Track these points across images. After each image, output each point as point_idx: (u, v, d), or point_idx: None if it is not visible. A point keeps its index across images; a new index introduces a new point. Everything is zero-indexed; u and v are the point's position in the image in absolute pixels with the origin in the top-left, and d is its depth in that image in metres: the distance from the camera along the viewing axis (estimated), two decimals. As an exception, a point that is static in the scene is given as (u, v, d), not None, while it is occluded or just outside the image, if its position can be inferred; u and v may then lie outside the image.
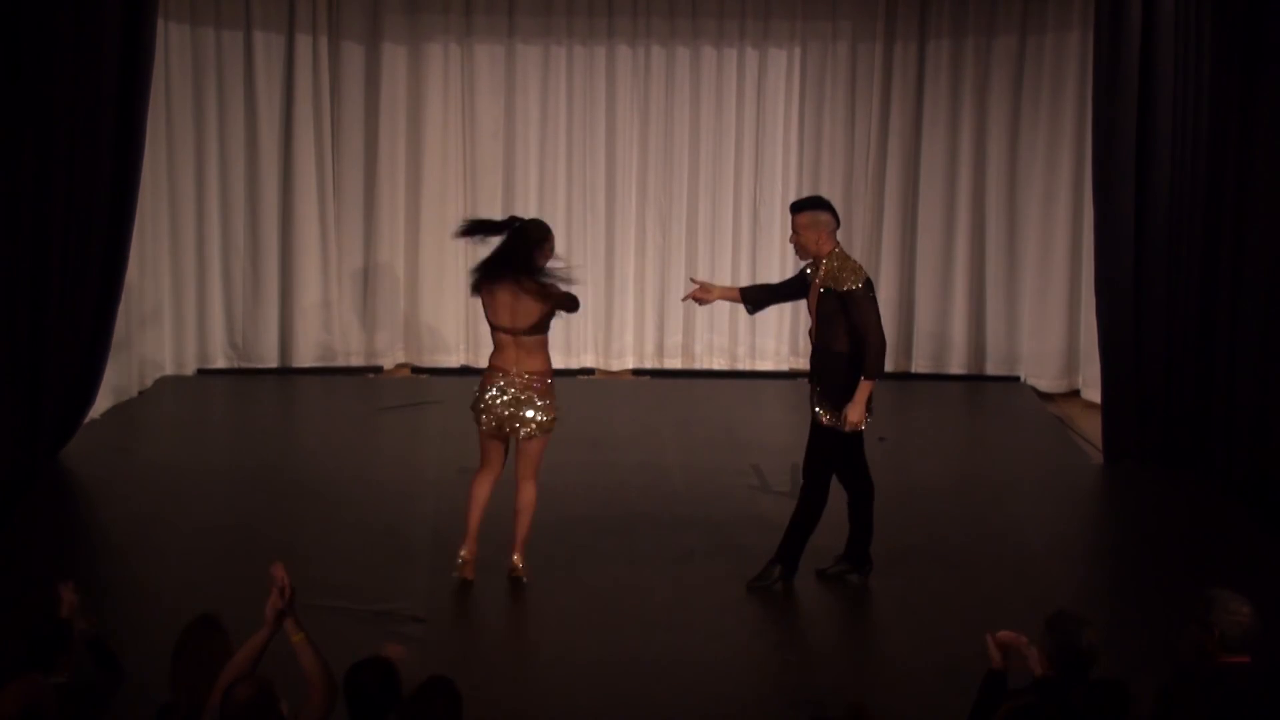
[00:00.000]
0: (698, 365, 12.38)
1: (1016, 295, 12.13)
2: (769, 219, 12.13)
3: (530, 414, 7.77)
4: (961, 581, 8.14)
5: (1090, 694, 5.17)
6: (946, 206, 12.13)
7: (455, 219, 11.93)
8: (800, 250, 7.88)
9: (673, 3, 12.00)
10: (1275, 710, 5.17)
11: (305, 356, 12.12)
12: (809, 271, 7.90)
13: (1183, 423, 9.97)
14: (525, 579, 7.91)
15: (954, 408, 11.75)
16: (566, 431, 10.10)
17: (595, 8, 11.98)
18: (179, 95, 11.56)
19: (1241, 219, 9.53)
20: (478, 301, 7.93)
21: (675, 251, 12.28)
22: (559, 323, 8.32)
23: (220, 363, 12.04)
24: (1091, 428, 10.72)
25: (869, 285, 7.74)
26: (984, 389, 12.05)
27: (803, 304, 8.33)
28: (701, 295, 8.20)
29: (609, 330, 12.34)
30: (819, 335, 7.82)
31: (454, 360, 12.19)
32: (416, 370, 12.25)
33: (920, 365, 12.30)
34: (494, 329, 7.84)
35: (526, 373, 7.77)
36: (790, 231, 7.88)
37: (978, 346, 12.27)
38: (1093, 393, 11.24)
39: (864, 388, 7.65)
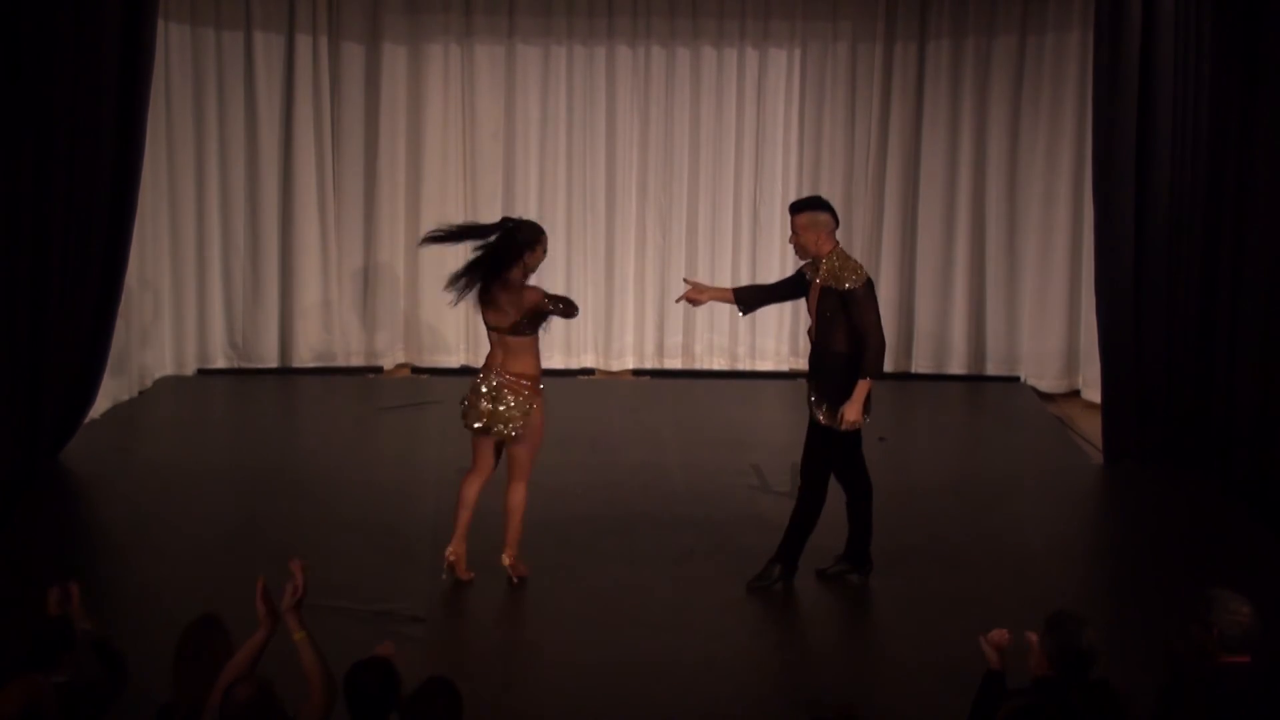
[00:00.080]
0: (698, 365, 12.38)
1: (1016, 295, 12.13)
2: (769, 219, 12.13)
3: (507, 413, 7.73)
4: (961, 581, 8.14)
5: (1090, 694, 5.17)
6: (946, 206, 12.13)
7: (455, 219, 11.94)
8: (800, 251, 7.88)
9: (673, 3, 12.01)
10: (1275, 710, 5.17)
11: (305, 356, 12.12)
12: (807, 272, 7.91)
13: (1183, 423, 9.97)
14: (515, 579, 7.91)
15: (954, 408, 11.75)
16: (566, 431, 10.14)
17: (595, 8, 11.98)
18: (179, 95, 11.57)
19: (1241, 219, 9.54)
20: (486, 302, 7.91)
21: (675, 251, 12.29)
22: (560, 323, 8.31)
23: (220, 363, 12.04)
24: (1091, 428, 10.72)
25: (869, 285, 7.74)
26: (984, 389, 12.05)
27: (803, 304, 8.33)
28: (694, 296, 8.20)
29: (609, 330, 12.34)
30: (818, 334, 7.82)
31: (454, 360, 12.19)
32: (416, 370, 12.25)
33: (920, 365, 12.30)
34: (487, 328, 7.85)
35: (510, 374, 7.75)
36: (790, 232, 7.88)
37: (978, 346, 12.27)
38: (1093, 393, 11.24)
39: (862, 387, 7.65)
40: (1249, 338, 9.45)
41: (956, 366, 12.27)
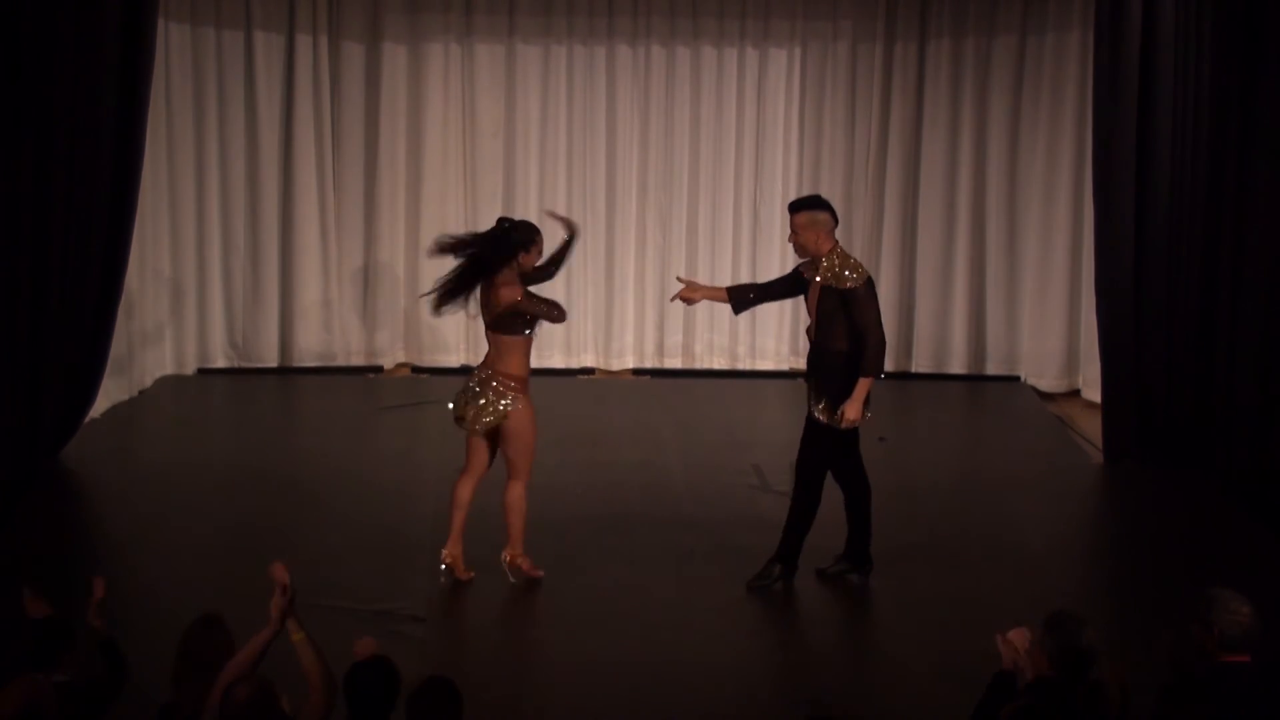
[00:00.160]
0: (698, 365, 12.39)
1: (1016, 295, 12.13)
2: (769, 219, 12.13)
3: (479, 410, 7.73)
4: (961, 581, 8.14)
5: (1090, 694, 5.16)
6: (946, 206, 12.13)
7: (455, 219, 12.02)
8: (799, 250, 7.88)
9: (673, 3, 12.01)
10: (1275, 710, 5.17)
11: (305, 356, 12.12)
12: (806, 271, 7.90)
13: (1183, 423, 9.97)
14: (512, 578, 7.90)
15: (954, 408, 11.75)
16: (566, 431, 10.15)
17: (595, 8, 11.99)
18: (179, 95, 11.57)
19: (1241, 219, 9.54)
20: (476, 301, 7.91)
21: (675, 251, 12.28)
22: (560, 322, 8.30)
23: (220, 362, 12.04)
24: (1091, 428, 10.72)
25: (870, 283, 7.74)
26: (984, 389, 12.06)
27: (802, 303, 8.32)
28: (687, 295, 8.19)
29: (609, 330, 12.34)
30: (818, 333, 7.82)
31: (454, 360, 12.19)
32: (416, 370, 12.25)
33: (920, 365, 12.31)
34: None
35: (496, 372, 7.74)
36: (789, 231, 7.88)
37: (978, 346, 12.27)
38: (1093, 393, 11.24)
39: (863, 385, 7.65)
40: (1249, 338, 9.45)
41: (956, 366, 12.27)
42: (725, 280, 11.69)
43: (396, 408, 11.18)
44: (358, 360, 12.23)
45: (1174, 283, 9.94)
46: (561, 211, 11.91)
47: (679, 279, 8.50)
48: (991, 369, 12.22)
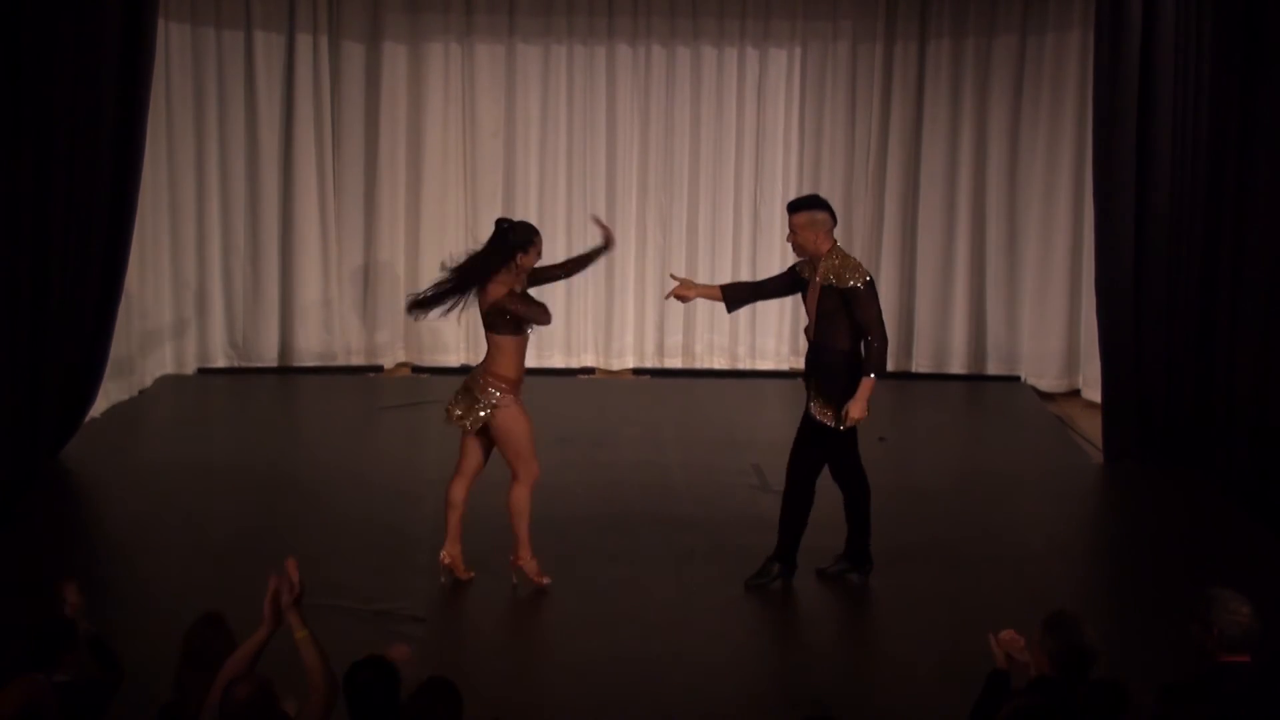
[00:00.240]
0: (698, 365, 12.39)
1: (1016, 295, 12.14)
2: (769, 219, 12.13)
3: (466, 409, 7.72)
4: (961, 581, 8.14)
5: (1090, 694, 5.16)
6: (946, 206, 12.14)
7: (455, 219, 12.04)
8: (799, 250, 7.87)
9: (673, 3, 12.01)
10: (1275, 710, 5.17)
11: (305, 356, 12.13)
12: (804, 271, 7.89)
13: (1183, 423, 9.97)
14: (515, 580, 7.88)
15: (954, 408, 11.76)
16: (566, 431, 10.15)
17: (595, 8, 11.99)
18: (179, 95, 11.57)
19: (1241, 219, 9.53)
20: (476, 301, 7.91)
21: (675, 251, 12.29)
22: (559, 322, 8.31)
23: (220, 362, 12.05)
24: (1091, 427, 10.72)
25: (871, 283, 7.73)
26: (984, 389, 12.06)
27: (802, 303, 8.31)
28: (681, 293, 8.15)
29: (609, 330, 12.34)
30: (818, 332, 7.81)
31: (454, 360, 12.19)
32: (416, 370, 12.26)
33: (920, 365, 12.31)
34: None
35: (488, 372, 7.73)
36: (788, 231, 7.87)
37: (978, 346, 12.27)
38: (1093, 392, 11.25)
39: (867, 384, 7.63)
40: (1249, 338, 9.45)
41: (956, 366, 12.27)
42: (725, 280, 11.67)
43: (396, 408, 11.18)
44: (358, 360, 12.23)
45: (1174, 283, 9.94)
46: (561, 212, 12.04)
47: (673, 276, 8.47)
48: (992, 369, 12.23)
